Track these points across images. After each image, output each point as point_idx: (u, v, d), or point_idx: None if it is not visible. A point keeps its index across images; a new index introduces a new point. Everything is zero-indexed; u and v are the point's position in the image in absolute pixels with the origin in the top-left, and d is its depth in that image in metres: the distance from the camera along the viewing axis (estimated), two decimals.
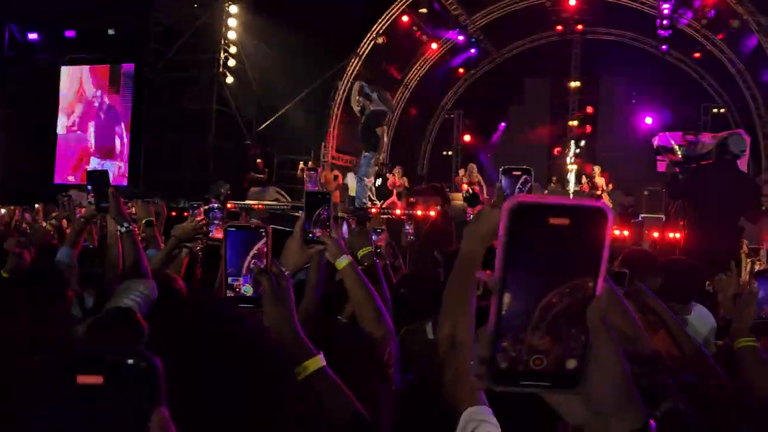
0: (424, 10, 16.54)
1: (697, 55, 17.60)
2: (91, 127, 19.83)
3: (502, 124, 21.00)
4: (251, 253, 1.62)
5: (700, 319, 3.33)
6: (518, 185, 1.75)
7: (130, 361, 0.62)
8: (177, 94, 17.58)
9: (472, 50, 19.43)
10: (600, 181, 14.08)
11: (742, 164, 5.40)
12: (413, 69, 19.42)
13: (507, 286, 0.65)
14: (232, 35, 17.34)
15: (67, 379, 0.61)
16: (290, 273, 2.01)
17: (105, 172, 3.11)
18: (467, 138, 21.42)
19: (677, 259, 3.51)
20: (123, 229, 2.80)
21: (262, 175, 14.93)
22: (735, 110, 17.66)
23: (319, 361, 1.43)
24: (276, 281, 1.54)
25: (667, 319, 2.41)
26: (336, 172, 16.13)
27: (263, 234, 1.62)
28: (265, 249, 1.61)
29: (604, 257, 0.65)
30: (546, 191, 15.87)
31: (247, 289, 1.62)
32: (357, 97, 10.47)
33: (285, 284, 1.57)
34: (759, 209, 5.40)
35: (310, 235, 2.07)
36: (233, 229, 1.67)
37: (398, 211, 10.55)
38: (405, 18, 16.96)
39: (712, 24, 15.52)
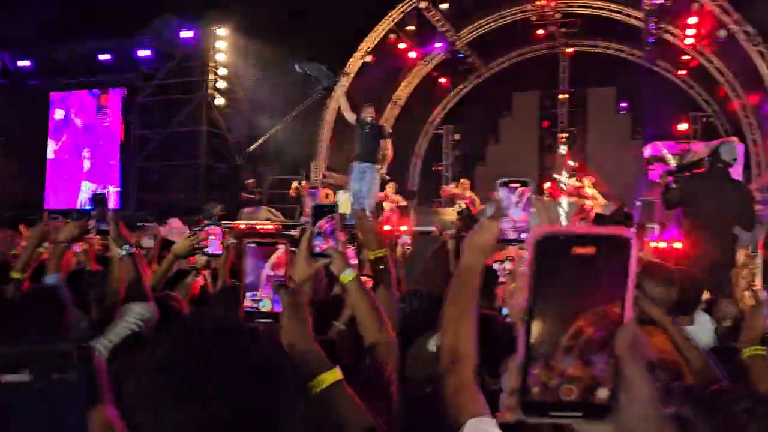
0: (411, 28, 16.64)
1: (682, 72, 17.77)
2: (84, 152, 19.80)
3: (492, 136, 21.07)
4: (268, 268, 1.66)
5: (702, 328, 3.32)
6: (515, 197, 1.73)
7: (58, 359, 0.59)
8: (167, 117, 17.61)
9: (461, 65, 19.55)
10: (591, 191, 14.08)
11: (735, 172, 5.40)
12: (402, 86, 19.50)
13: (535, 315, 0.66)
14: (221, 57, 17.41)
15: None
16: (295, 287, 2.04)
17: (104, 195, 3.20)
18: (457, 152, 21.46)
19: (682, 270, 3.47)
20: (123, 252, 2.76)
21: (253, 196, 14.89)
22: (725, 119, 17.79)
23: (336, 373, 1.44)
24: (294, 297, 1.57)
25: (670, 328, 2.37)
26: (328, 191, 16.11)
27: (282, 249, 1.66)
28: (282, 263, 1.65)
29: (630, 284, 0.66)
30: (541, 200, 15.91)
31: (265, 304, 1.65)
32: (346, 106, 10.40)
33: (302, 298, 1.59)
34: (753, 217, 5.40)
35: (317, 248, 2.08)
36: (253, 244, 1.68)
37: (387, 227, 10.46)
38: (392, 35, 17.05)
39: (698, 34, 15.65)
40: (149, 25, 17.63)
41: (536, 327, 0.65)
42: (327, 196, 15.76)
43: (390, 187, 14.22)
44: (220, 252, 3.90)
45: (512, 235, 1.68)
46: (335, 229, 2.10)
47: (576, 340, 0.65)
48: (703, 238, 5.15)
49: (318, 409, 1.40)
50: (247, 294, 1.66)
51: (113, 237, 2.84)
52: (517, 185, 1.74)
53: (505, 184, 1.76)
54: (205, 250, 4.17)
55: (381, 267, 2.57)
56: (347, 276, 2.07)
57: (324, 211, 2.11)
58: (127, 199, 17.98)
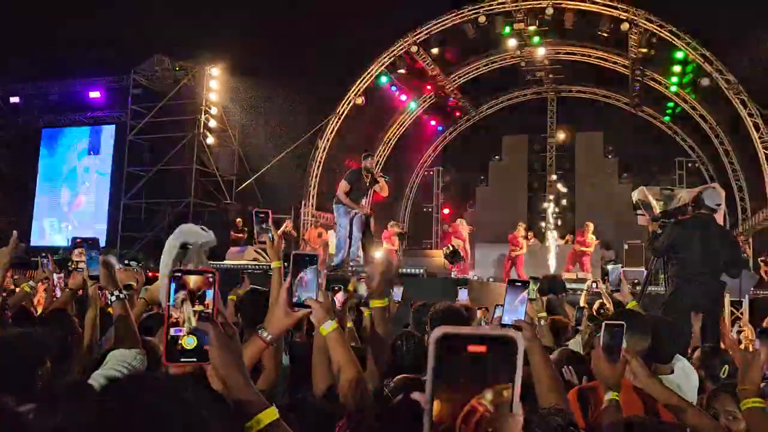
0: (402, 71, 16.87)
1: (666, 119, 18.12)
2: (71, 188, 19.74)
3: (482, 179, 21.22)
4: (196, 302, 1.47)
5: (684, 376, 3.28)
6: (520, 297, 2.08)
7: None
8: (158, 155, 17.65)
9: (451, 108, 19.81)
10: (591, 238, 14.08)
11: (719, 218, 5.43)
12: (392, 128, 19.68)
13: (436, 396, 0.76)
14: (212, 97, 17.55)
15: None
16: (273, 337, 1.97)
17: (96, 240, 3.11)
18: (447, 194, 21.58)
19: (661, 318, 3.46)
20: (113, 298, 2.70)
21: (241, 235, 14.82)
22: (709, 164, 18.05)
23: (273, 413, 1.37)
24: (223, 330, 1.43)
25: (647, 382, 2.34)
26: (321, 230, 16.06)
27: (211, 280, 1.49)
28: (212, 296, 1.48)
29: (517, 378, 0.76)
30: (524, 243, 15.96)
31: (191, 341, 1.46)
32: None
33: (233, 333, 1.47)
34: (740, 264, 5.42)
35: (296, 298, 1.99)
36: (178, 274, 1.49)
37: None
38: (384, 78, 17.27)
39: (682, 82, 15.99)
40: (142, 64, 17.80)
41: (437, 409, 0.76)
42: (320, 235, 15.70)
43: (394, 226, 14.23)
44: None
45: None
46: (316, 278, 2.03)
47: (468, 423, 0.74)
48: (689, 287, 5.16)
49: None
50: (171, 331, 1.47)
51: (104, 282, 2.77)
52: (520, 284, 2.12)
53: (512, 283, 2.12)
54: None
55: (381, 317, 2.54)
56: (327, 328, 2.03)
57: (304, 259, 2.03)
58: (113, 236, 17.84)
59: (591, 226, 14.01)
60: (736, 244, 5.66)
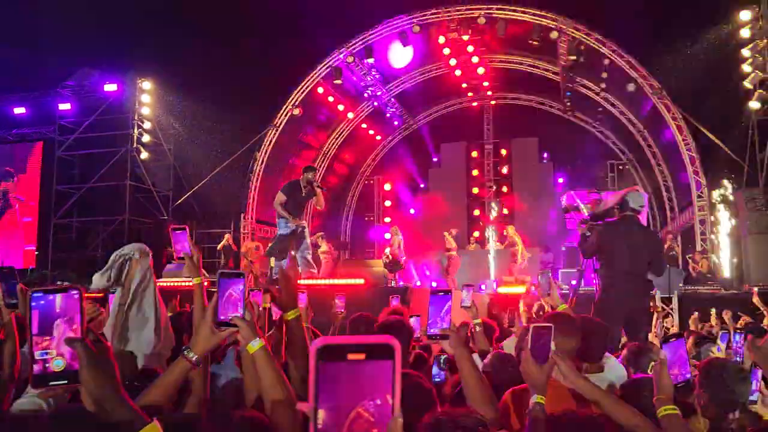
0: (338, 81, 16.87)
1: (596, 124, 18.77)
2: None
3: (422, 186, 21.41)
4: (62, 321, 1.39)
5: (614, 374, 3.36)
6: (445, 306, 2.22)
7: None
8: (89, 172, 17.10)
9: (389, 117, 19.93)
10: (516, 238, 14.43)
11: (642, 219, 5.62)
12: (331, 138, 19.66)
13: (320, 406, 0.77)
14: (145, 111, 17.14)
15: None
16: (199, 357, 1.94)
17: (12, 269, 3.02)
18: (388, 203, 21.68)
19: (589, 319, 3.54)
20: None
21: None
22: (638, 166, 18.72)
23: (155, 428, 1.33)
24: (93, 348, 1.37)
25: (579, 383, 2.38)
26: (258, 243, 15.86)
27: (75, 297, 1.39)
28: (80, 311, 1.40)
29: (397, 383, 0.78)
30: (469, 247, 16.18)
31: (59, 363, 1.38)
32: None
33: (105, 350, 1.41)
34: (663, 262, 5.62)
35: (222, 316, 1.95)
36: (39, 293, 1.39)
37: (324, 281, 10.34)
38: (320, 89, 17.24)
39: (609, 88, 16.56)
40: (70, 78, 17.24)
41: (321, 416, 0.77)
42: (257, 248, 15.51)
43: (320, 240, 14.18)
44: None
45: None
46: (243, 296, 1.98)
47: (353, 430, 0.77)
48: (617, 286, 5.32)
49: None
50: (36, 354, 1.37)
51: (22, 312, 2.69)
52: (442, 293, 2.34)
53: (435, 293, 2.32)
54: None
55: (295, 327, 2.53)
56: (254, 346, 1.99)
57: (230, 277, 1.99)
58: (44, 257, 17.15)
59: (510, 229, 14.41)
60: (659, 243, 5.87)
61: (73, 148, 17.22)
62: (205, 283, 2.74)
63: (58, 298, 1.39)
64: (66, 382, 1.38)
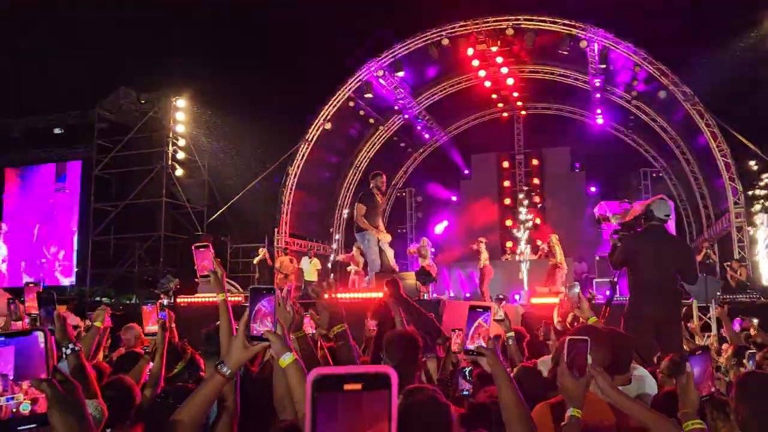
0: (369, 95, 17.00)
1: (629, 131, 18.51)
2: (37, 229, 19.45)
3: (453, 198, 21.37)
4: (26, 364, 1.32)
5: (642, 384, 3.34)
6: (481, 320, 2.18)
7: None
8: (125, 189, 17.47)
9: (419, 129, 19.97)
10: (558, 249, 14.15)
11: (670, 228, 5.53)
12: (362, 151, 19.79)
13: None
14: (180, 128, 17.48)
15: None
16: (233, 371, 1.97)
17: (52, 293, 3.08)
18: (419, 215, 21.70)
19: (616, 331, 3.51)
20: (68, 351, 2.68)
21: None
22: (672, 174, 18.40)
23: None
24: (61, 389, 1.32)
25: (615, 397, 2.38)
26: (291, 257, 16.01)
27: (40, 339, 1.34)
28: (45, 352, 1.34)
29: (394, 410, 0.78)
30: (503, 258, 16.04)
31: (26, 406, 1.31)
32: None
33: (73, 390, 1.36)
34: (695, 270, 5.52)
35: (254, 331, 1.98)
36: (2, 338, 1.33)
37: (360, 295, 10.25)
38: (351, 103, 17.39)
39: (641, 95, 16.35)
40: (106, 98, 17.67)
41: None
42: (291, 261, 15.65)
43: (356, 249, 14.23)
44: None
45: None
46: (274, 310, 2.01)
47: None
48: (645, 296, 5.24)
49: None
50: (1, 400, 1.29)
51: (58, 337, 2.77)
52: (481, 309, 2.21)
53: (473, 309, 2.19)
54: (147, 328, 4.03)
55: (341, 342, 2.58)
56: (285, 360, 2.03)
57: (261, 293, 2.02)
58: (83, 273, 17.56)
59: (554, 238, 13.98)
60: (688, 251, 5.75)
61: (110, 167, 17.62)
62: (231, 299, 2.81)
63: (23, 340, 1.34)
64: (36, 425, 1.32)
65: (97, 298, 17.05)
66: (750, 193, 14.18)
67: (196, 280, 12.53)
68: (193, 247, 2.86)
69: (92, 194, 17.66)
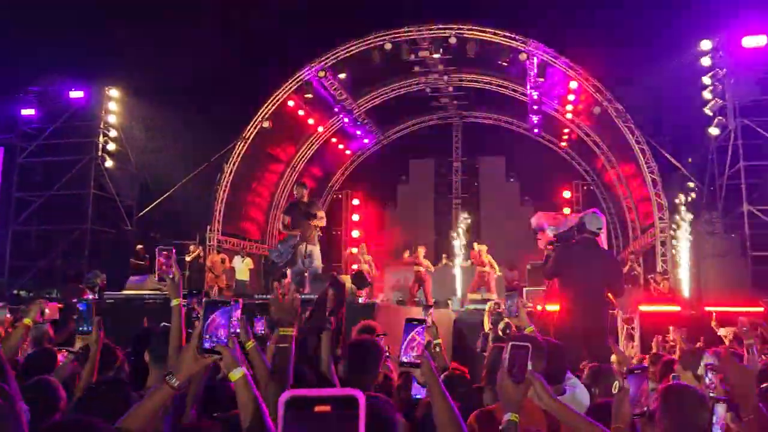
0: (309, 96, 16.87)
1: (563, 145, 19.09)
2: None
3: (390, 202, 21.48)
4: None
5: (575, 395, 3.40)
6: (416, 332, 2.17)
7: None
8: (51, 179, 16.71)
9: (359, 132, 19.96)
10: (487, 258, 14.44)
11: (602, 241, 5.72)
12: (300, 151, 19.64)
13: None
14: (112, 119, 16.88)
15: None
16: (181, 383, 1.94)
17: None
18: (356, 217, 21.70)
19: (552, 341, 3.58)
20: None
21: (143, 262, 14.20)
22: (603, 187, 19.06)
23: None
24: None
25: (552, 404, 2.40)
26: (223, 256, 15.71)
27: None
28: None
29: (361, 431, 0.81)
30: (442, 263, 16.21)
31: None
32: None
33: (7, 407, 1.31)
34: (622, 283, 5.72)
35: (206, 343, 1.96)
36: None
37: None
38: (291, 102, 17.22)
39: (576, 110, 16.89)
40: (33, 83, 16.89)
41: None
42: (223, 261, 15.34)
43: None
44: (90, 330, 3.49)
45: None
46: (228, 323, 2.01)
47: None
48: (575, 307, 5.41)
49: None
50: None
51: None
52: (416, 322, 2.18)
53: (409, 321, 2.17)
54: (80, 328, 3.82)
55: (282, 345, 2.52)
56: (236, 375, 2.01)
57: (216, 304, 2.02)
58: (1, 265, 16.66)
59: (483, 248, 14.32)
60: (616, 264, 5.98)
61: (36, 155, 16.84)
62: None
63: None
64: None
65: (15, 292, 16.22)
66: (676, 209, 14.80)
67: (136, 274, 12.14)
68: (156, 250, 2.83)
69: (15, 182, 16.82)
